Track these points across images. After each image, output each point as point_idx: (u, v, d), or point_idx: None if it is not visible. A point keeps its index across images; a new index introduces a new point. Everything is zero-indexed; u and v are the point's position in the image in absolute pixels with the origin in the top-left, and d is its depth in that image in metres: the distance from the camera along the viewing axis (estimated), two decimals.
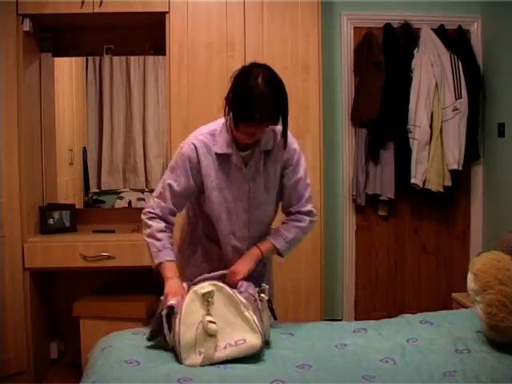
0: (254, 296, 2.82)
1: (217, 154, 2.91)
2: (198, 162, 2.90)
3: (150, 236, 2.92)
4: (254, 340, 2.68)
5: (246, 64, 2.82)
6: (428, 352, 2.84)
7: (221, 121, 2.97)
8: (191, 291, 2.72)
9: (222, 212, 2.98)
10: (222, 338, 2.67)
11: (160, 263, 2.89)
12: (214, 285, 2.75)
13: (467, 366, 2.65)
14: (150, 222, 2.94)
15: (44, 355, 4.86)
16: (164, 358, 2.72)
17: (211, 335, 2.64)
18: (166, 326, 2.72)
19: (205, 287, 2.73)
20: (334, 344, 2.94)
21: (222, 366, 2.64)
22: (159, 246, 2.90)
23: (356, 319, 5.42)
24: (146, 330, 2.89)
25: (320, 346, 2.92)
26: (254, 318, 2.71)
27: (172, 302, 2.72)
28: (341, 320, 5.35)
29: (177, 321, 2.66)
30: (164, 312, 2.72)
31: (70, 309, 4.54)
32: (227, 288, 2.76)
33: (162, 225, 2.93)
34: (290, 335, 3.04)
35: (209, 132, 2.94)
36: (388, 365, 2.70)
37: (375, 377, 2.55)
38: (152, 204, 2.98)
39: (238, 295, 2.76)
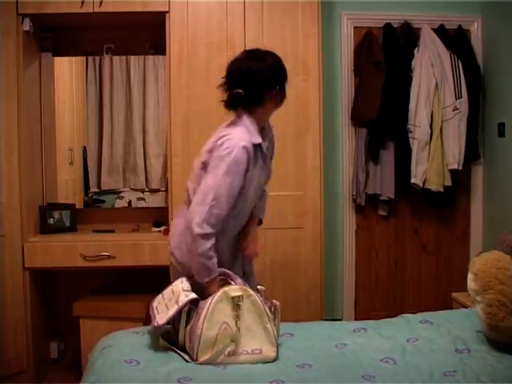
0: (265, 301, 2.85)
1: (254, 145, 2.98)
2: (248, 162, 2.92)
3: (203, 256, 2.86)
4: (269, 352, 2.74)
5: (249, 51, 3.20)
6: (428, 352, 2.84)
7: (243, 122, 3.03)
8: (221, 291, 2.75)
9: (255, 199, 3.17)
10: (240, 344, 2.70)
11: (211, 280, 2.89)
12: (245, 290, 2.77)
13: (467, 366, 2.65)
14: (207, 244, 2.86)
15: (44, 355, 4.86)
16: (164, 357, 2.73)
17: (232, 340, 2.68)
18: (183, 321, 2.76)
19: (235, 290, 2.76)
20: (334, 344, 2.95)
21: (221, 366, 2.65)
22: (211, 266, 2.88)
23: (356, 319, 5.42)
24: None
25: (320, 345, 2.92)
26: (275, 331, 2.76)
27: (195, 295, 2.78)
28: (341, 320, 5.35)
29: (201, 317, 2.68)
30: (186, 308, 2.76)
31: (70, 309, 4.54)
32: (256, 296, 2.78)
33: (213, 240, 2.90)
34: (290, 335, 3.05)
35: (247, 131, 2.98)
36: (388, 365, 2.70)
37: (375, 376, 2.55)
38: (206, 214, 2.85)
39: (265, 305, 2.78)
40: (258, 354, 2.71)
